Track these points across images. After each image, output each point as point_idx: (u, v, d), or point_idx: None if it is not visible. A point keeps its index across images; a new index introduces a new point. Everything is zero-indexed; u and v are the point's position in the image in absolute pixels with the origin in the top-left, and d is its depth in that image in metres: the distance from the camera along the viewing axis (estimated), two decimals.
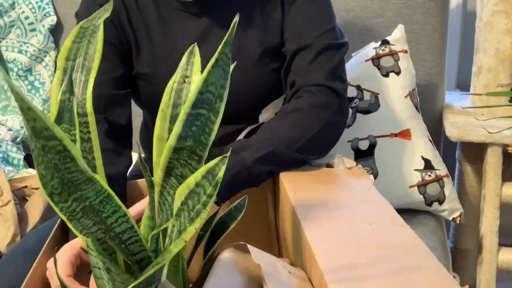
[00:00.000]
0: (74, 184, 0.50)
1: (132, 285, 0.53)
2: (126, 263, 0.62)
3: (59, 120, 0.57)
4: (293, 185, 0.85)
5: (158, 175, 0.58)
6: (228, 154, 0.54)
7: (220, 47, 0.55)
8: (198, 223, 0.53)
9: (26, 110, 0.45)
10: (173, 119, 0.63)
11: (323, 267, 0.59)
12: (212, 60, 0.55)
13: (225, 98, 0.57)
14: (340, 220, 0.72)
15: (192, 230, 0.52)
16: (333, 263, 0.60)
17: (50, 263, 0.77)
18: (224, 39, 0.55)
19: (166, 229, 0.59)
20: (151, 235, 0.59)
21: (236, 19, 0.56)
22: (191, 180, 0.53)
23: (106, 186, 0.52)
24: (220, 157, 0.54)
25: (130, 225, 0.56)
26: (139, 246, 0.58)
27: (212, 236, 0.71)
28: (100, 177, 0.52)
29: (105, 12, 0.60)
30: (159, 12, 1.02)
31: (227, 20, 1.00)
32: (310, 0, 1.00)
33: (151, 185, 0.62)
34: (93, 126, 0.59)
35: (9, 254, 0.93)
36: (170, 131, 0.63)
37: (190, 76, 0.64)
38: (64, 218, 0.52)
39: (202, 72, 0.61)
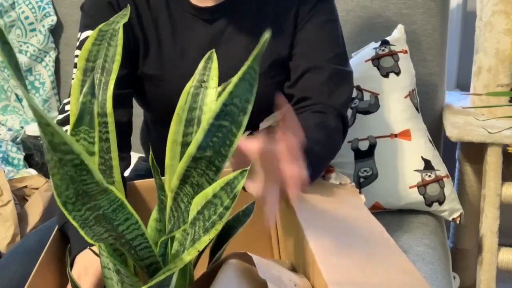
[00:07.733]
0: (88, 195, 0.50)
1: None
2: (135, 266, 0.62)
3: (79, 121, 0.58)
4: None
5: (173, 182, 0.58)
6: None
7: (248, 60, 0.53)
8: (213, 234, 0.52)
9: (44, 125, 0.44)
10: (188, 123, 0.63)
11: (328, 279, 0.61)
12: (239, 73, 0.54)
13: (249, 112, 0.55)
14: (339, 233, 0.73)
15: (206, 240, 0.52)
16: (337, 276, 0.62)
17: None
18: (254, 53, 0.54)
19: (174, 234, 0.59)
20: (161, 240, 0.59)
21: (267, 36, 0.54)
22: (209, 190, 0.53)
23: (120, 196, 0.52)
24: (240, 170, 0.53)
25: (141, 232, 0.56)
26: (149, 252, 0.58)
27: (219, 240, 0.71)
28: (115, 188, 0.52)
29: (124, 17, 0.60)
30: (170, 14, 1.01)
31: (237, 29, 1.00)
32: (325, 21, 1.01)
33: (161, 187, 0.61)
34: (111, 127, 0.59)
35: (9, 254, 0.93)
36: (184, 134, 0.63)
37: (207, 81, 0.63)
38: (76, 226, 0.51)
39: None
